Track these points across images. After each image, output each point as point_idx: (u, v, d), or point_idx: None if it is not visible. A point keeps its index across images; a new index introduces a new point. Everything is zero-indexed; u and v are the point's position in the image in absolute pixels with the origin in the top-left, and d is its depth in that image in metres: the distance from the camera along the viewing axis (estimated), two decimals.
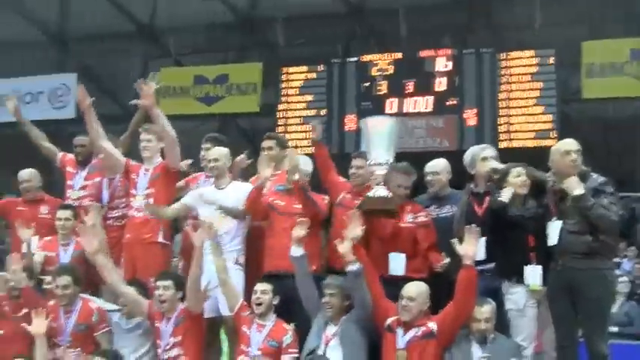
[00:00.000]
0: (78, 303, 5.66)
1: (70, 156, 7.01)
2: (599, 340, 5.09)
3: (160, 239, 5.99)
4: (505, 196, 5.24)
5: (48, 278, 5.97)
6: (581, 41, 13.18)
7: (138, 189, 6.22)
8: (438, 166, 5.94)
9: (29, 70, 16.55)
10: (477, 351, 4.96)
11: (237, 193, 5.91)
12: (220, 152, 6.02)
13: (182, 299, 5.55)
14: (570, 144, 5.21)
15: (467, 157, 5.82)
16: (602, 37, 13.37)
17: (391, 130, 5.52)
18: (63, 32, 16.94)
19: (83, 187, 6.79)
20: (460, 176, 5.96)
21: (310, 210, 5.71)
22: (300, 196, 5.71)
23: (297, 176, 5.68)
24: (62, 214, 6.34)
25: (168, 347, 5.49)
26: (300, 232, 5.44)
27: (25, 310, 5.78)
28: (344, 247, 5.18)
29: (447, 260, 5.39)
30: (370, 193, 5.39)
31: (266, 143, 6.13)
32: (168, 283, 5.51)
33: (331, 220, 5.89)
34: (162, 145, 6.18)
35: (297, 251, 5.46)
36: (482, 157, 5.66)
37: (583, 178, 5.07)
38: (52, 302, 5.76)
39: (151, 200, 6.12)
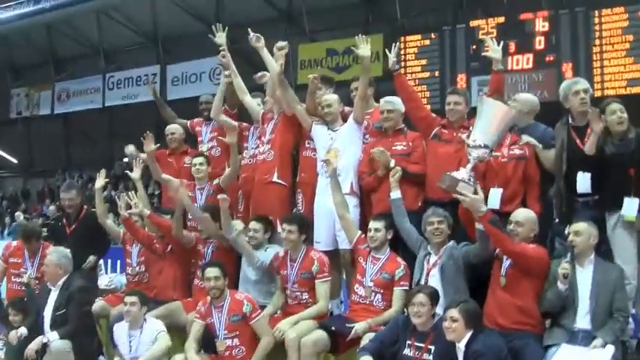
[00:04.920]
0: (227, 298, 5.56)
1: (197, 120, 7.59)
2: None
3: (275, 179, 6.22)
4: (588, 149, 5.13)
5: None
6: None
7: (265, 135, 6.54)
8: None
9: (193, 55, 19.39)
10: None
11: (349, 132, 6.11)
12: (333, 98, 6.28)
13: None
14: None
15: (560, 91, 5.53)
16: None
17: (505, 120, 5.13)
18: (219, 22, 19.64)
19: (211, 139, 7.33)
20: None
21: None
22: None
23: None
24: (197, 160, 6.84)
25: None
26: (396, 176, 5.62)
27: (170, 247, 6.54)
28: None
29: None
30: (454, 173, 5.09)
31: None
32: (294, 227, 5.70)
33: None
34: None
35: (394, 194, 5.60)
36: (573, 92, 5.37)
37: None
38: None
39: (269, 146, 6.41)
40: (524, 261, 4.91)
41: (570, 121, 5.45)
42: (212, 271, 5.57)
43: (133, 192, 6.86)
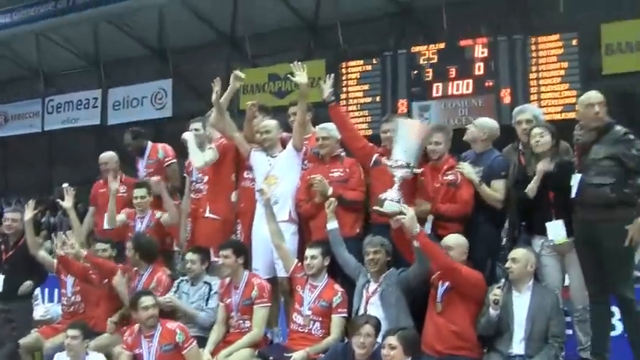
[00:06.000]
0: (158, 327, 5.45)
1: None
2: (624, 286, 4.91)
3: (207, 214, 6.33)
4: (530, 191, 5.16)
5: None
6: (601, 23, 14.26)
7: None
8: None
9: (135, 79, 19.31)
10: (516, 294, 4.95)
11: (288, 159, 6.11)
12: (272, 124, 6.26)
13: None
14: (593, 97, 4.98)
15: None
16: (619, 19, 14.29)
17: (421, 136, 5.29)
18: (162, 46, 19.48)
19: (147, 175, 7.38)
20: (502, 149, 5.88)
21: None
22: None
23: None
24: (138, 192, 6.78)
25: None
26: (331, 207, 5.60)
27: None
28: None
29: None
30: (382, 195, 5.20)
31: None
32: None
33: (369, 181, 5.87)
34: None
35: (331, 224, 5.59)
36: (517, 121, 5.58)
37: (607, 129, 4.91)
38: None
39: (204, 178, 6.55)
40: (457, 278, 4.98)
41: (520, 146, 5.53)
42: (147, 300, 5.46)
43: (70, 231, 6.73)
